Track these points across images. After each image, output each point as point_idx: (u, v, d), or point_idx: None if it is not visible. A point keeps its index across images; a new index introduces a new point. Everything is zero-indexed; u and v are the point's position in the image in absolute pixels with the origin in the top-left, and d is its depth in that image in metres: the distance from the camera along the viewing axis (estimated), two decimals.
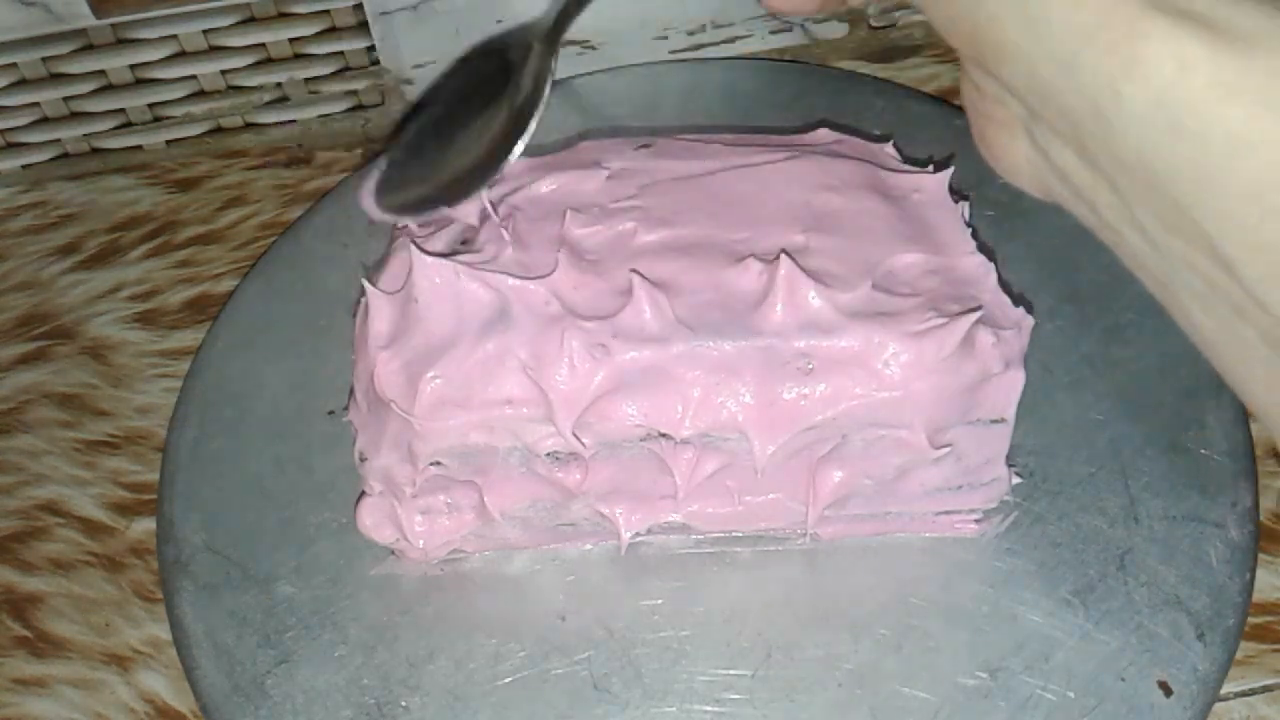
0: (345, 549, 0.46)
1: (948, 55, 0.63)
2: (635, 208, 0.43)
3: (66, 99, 0.59)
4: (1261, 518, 0.47)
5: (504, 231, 0.43)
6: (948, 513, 0.45)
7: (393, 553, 0.46)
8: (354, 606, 0.45)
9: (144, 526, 0.50)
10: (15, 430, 0.53)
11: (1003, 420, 0.43)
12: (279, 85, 0.61)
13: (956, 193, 0.45)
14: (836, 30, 0.63)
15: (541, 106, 0.41)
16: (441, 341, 0.41)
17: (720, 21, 0.62)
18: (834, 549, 0.46)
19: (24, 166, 0.62)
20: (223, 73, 0.60)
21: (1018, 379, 0.42)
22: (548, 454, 0.42)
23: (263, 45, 0.59)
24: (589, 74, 0.60)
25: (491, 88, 0.42)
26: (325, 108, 0.62)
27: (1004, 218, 0.53)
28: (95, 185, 0.61)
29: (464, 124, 0.42)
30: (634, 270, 0.41)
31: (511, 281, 0.41)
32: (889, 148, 0.48)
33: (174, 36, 0.58)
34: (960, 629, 0.44)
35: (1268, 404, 0.29)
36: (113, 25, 0.57)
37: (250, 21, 0.58)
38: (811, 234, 0.43)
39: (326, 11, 0.58)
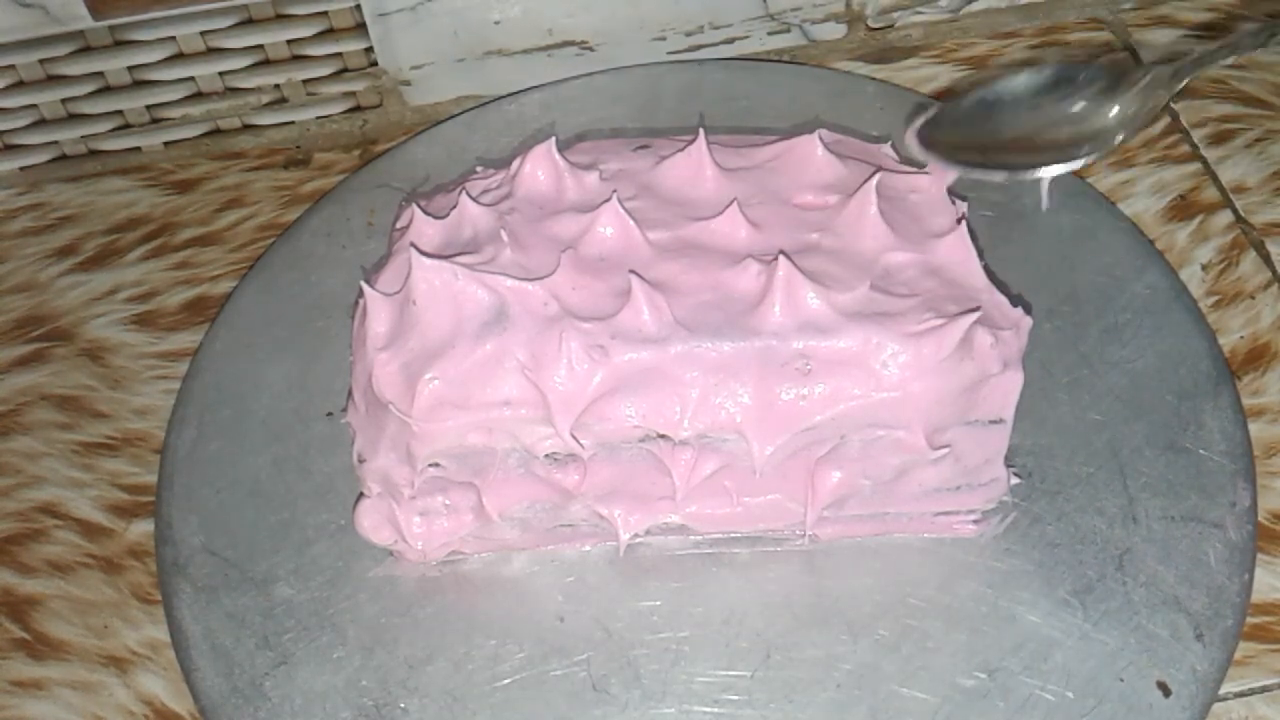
0: (344, 550, 0.46)
1: (945, 56, 0.63)
2: (633, 209, 0.43)
3: (64, 101, 0.59)
4: (1260, 518, 0.47)
5: (502, 233, 0.43)
6: (946, 513, 0.45)
7: (391, 554, 0.46)
8: (352, 608, 0.45)
9: (142, 528, 0.50)
10: (13, 432, 0.53)
11: (1001, 421, 0.43)
12: (277, 87, 0.61)
13: (955, 194, 0.45)
14: (834, 31, 0.63)
15: (1134, 130, 0.42)
16: (440, 343, 0.41)
17: (718, 23, 0.62)
18: (832, 550, 0.46)
19: (22, 168, 0.62)
20: (221, 74, 0.60)
21: (1016, 379, 0.42)
22: (546, 455, 0.42)
23: (261, 47, 0.59)
24: (588, 75, 0.60)
25: (1085, 93, 0.43)
26: (323, 109, 0.62)
27: (1002, 218, 0.53)
28: (93, 187, 0.61)
29: (1037, 109, 0.43)
30: (632, 271, 0.41)
31: (509, 283, 0.41)
32: (887, 148, 0.48)
33: (172, 38, 0.58)
34: (959, 629, 0.44)
35: None
36: (110, 27, 0.57)
37: (248, 23, 0.58)
38: (809, 235, 0.43)
39: (324, 13, 0.58)
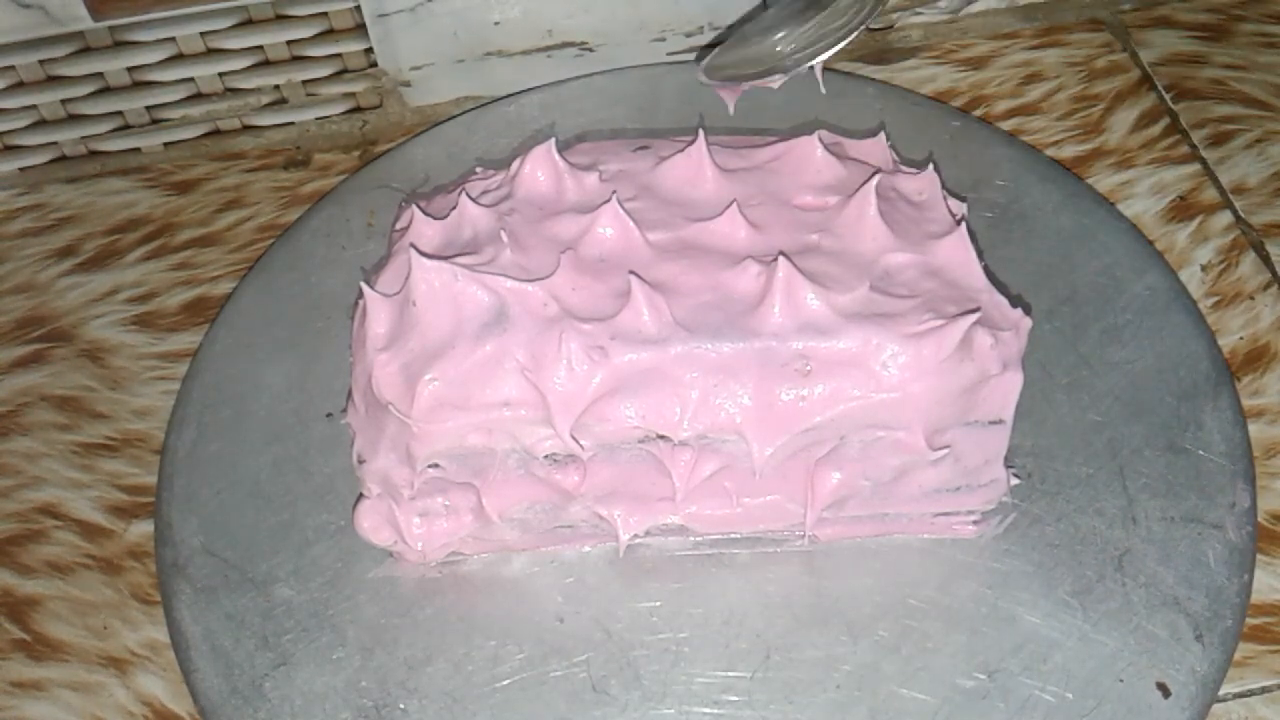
0: (343, 551, 0.46)
1: (945, 57, 0.63)
2: (633, 210, 0.43)
3: (64, 101, 0.59)
4: (1260, 519, 0.47)
5: (502, 234, 0.43)
6: (946, 514, 0.45)
7: (391, 555, 0.46)
8: (352, 609, 0.45)
9: (142, 529, 0.50)
10: (13, 433, 0.53)
11: (1001, 421, 0.43)
12: (277, 87, 0.61)
13: (955, 194, 0.45)
14: None
15: (853, 36, 0.52)
16: (439, 344, 0.41)
17: (718, 23, 0.62)
18: (832, 550, 0.46)
19: (21, 169, 0.62)
20: (220, 75, 0.60)
21: (1016, 380, 0.42)
22: (546, 456, 0.42)
23: (260, 48, 0.59)
24: (587, 76, 0.60)
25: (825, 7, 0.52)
26: (323, 110, 0.62)
27: (1002, 219, 0.53)
28: (93, 188, 0.61)
29: (783, 24, 0.53)
30: (632, 272, 0.41)
31: (509, 283, 0.41)
32: (886, 149, 0.48)
33: (172, 39, 0.58)
34: (959, 630, 0.44)
35: None
36: (110, 28, 0.57)
37: (248, 24, 0.58)
38: (809, 235, 0.43)
39: (324, 14, 0.58)
